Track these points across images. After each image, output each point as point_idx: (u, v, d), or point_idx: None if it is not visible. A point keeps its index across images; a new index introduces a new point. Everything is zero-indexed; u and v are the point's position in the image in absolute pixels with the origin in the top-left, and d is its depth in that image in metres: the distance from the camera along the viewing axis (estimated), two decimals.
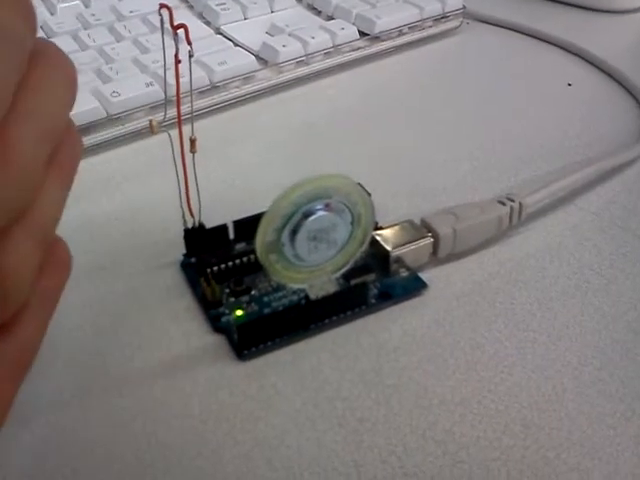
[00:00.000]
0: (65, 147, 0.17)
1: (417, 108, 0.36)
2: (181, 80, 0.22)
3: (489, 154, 0.32)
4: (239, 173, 0.31)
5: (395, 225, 0.25)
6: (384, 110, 0.35)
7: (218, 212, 0.25)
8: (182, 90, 0.22)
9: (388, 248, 0.24)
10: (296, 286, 0.22)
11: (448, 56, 0.41)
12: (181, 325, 0.23)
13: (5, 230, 0.14)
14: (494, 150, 0.32)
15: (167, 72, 0.22)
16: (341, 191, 0.20)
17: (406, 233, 0.25)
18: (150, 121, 0.22)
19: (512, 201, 0.26)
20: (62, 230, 0.17)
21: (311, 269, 0.21)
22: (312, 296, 0.22)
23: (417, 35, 0.41)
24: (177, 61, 0.21)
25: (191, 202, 0.24)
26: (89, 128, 0.31)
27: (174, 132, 0.22)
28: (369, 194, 0.26)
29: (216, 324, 0.23)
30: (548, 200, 0.28)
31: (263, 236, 0.20)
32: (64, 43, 0.36)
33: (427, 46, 0.42)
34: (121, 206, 0.29)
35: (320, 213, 0.20)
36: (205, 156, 0.31)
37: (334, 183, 0.20)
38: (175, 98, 0.22)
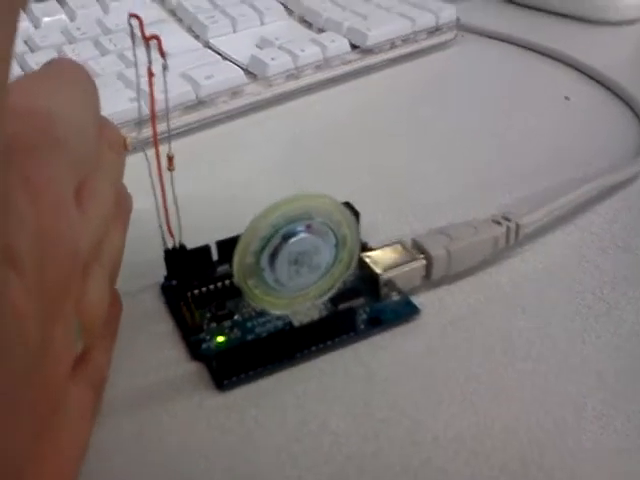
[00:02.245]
0: (123, 198, 0.22)
1: (410, 123, 0.35)
2: (162, 95, 0.21)
3: (484, 170, 0.31)
4: (226, 191, 0.29)
5: (385, 246, 0.24)
6: (376, 125, 0.34)
7: (204, 232, 0.24)
8: (163, 105, 0.21)
9: (378, 271, 0.23)
10: (278, 312, 0.21)
11: (442, 69, 0.40)
12: (160, 352, 0.22)
13: (87, 267, 0.17)
14: (489, 166, 0.31)
15: (153, 87, 0.21)
16: (323, 211, 0.19)
17: (397, 255, 0.23)
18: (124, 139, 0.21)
19: (508, 220, 0.25)
20: None
21: (293, 294, 0.20)
22: (295, 323, 0.21)
23: (410, 48, 0.40)
24: (150, 74, 0.20)
25: (171, 222, 0.23)
26: None
27: (153, 149, 0.21)
28: (358, 213, 0.25)
29: (196, 351, 0.22)
30: (546, 219, 0.27)
31: (241, 259, 0.18)
32: (48, 57, 0.34)
33: (420, 59, 0.41)
34: None
35: (301, 235, 0.19)
36: (191, 174, 0.30)
37: (315, 203, 0.19)
38: (161, 114, 0.21)
